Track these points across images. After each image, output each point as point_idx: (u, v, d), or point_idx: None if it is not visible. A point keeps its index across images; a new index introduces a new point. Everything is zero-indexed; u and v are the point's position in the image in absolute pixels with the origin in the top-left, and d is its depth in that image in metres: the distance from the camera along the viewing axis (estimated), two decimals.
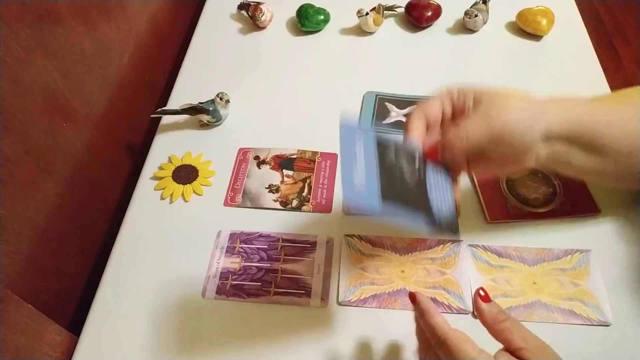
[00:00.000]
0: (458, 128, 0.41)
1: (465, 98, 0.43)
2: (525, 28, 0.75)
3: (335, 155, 0.63)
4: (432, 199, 0.42)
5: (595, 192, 0.56)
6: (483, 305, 0.36)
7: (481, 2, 0.76)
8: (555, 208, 0.55)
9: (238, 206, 0.59)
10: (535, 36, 0.75)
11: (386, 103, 0.68)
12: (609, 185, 0.52)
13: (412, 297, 0.40)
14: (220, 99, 0.65)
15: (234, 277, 0.53)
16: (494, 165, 0.44)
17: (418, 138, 0.43)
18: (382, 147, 0.42)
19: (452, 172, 0.44)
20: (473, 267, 0.52)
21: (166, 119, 0.68)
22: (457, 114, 0.44)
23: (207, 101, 0.64)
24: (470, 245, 0.53)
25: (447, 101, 0.44)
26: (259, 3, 0.79)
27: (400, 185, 0.41)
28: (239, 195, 0.59)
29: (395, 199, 0.39)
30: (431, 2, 0.78)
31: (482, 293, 0.37)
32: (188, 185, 0.60)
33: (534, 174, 0.58)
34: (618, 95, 0.48)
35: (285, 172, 0.61)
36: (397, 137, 0.43)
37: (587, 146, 0.44)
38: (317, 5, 0.79)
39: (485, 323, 0.36)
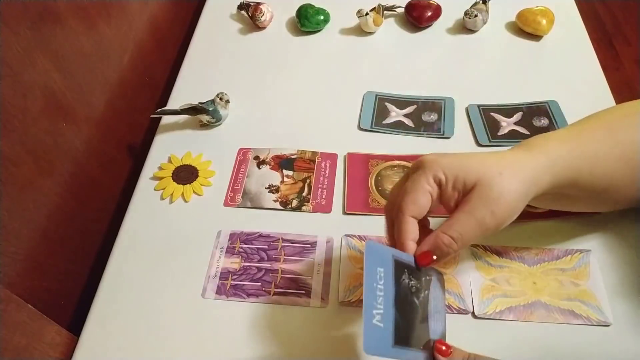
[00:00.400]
0: (452, 232, 0.39)
1: (455, 184, 0.39)
2: (525, 28, 0.75)
3: (335, 155, 0.63)
4: (430, 320, 0.40)
5: None
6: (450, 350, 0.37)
7: (481, 2, 0.76)
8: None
9: (238, 206, 0.59)
10: (535, 36, 0.75)
11: (386, 103, 0.68)
12: (578, 210, 0.51)
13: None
14: (220, 99, 0.65)
15: (234, 277, 0.53)
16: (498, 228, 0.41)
17: (412, 247, 0.40)
18: (398, 267, 0.39)
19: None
20: (473, 267, 0.52)
21: (166, 119, 0.68)
22: (445, 200, 0.40)
23: (207, 101, 0.65)
24: (470, 245, 0.53)
25: (435, 190, 0.40)
26: (259, 3, 0.79)
27: (410, 314, 0.38)
28: (239, 195, 0.59)
29: (408, 335, 0.37)
30: (431, 2, 0.78)
31: (443, 348, 0.37)
32: (188, 185, 0.60)
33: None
34: (609, 123, 0.46)
35: (285, 172, 0.61)
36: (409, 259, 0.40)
37: (565, 191, 0.44)
38: (317, 5, 0.79)
39: None
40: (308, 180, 0.60)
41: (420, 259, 0.40)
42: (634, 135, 0.45)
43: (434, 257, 0.39)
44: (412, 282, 0.39)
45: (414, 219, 0.40)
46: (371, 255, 0.38)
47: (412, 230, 0.40)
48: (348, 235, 0.55)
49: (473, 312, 0.49)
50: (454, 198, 0.39)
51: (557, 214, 0.55)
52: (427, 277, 0.41)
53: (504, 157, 0.41)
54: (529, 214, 0.54)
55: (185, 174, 0.61)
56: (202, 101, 0.64)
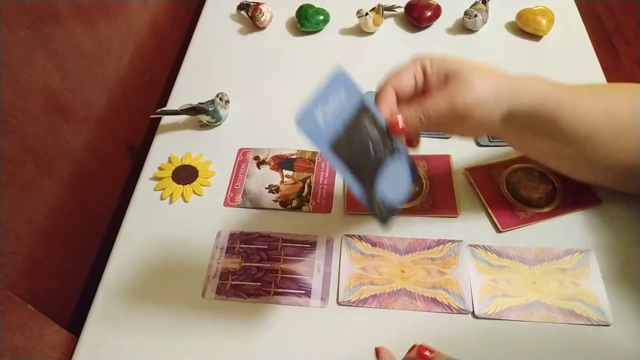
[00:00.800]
0: (420, 106, 0.42)
1: (438, 71, 0.43)
2: (525, 28, 0.75)
3: None
4: (382, 180, 0.42)
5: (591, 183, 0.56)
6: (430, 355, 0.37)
7: (481, 2, 0.76)
8: (559, 205, 0.55)
9: (238, 206, 0.59)
10: (535, 36, 0.75)
11: None
12: (562, 170, 0.53)
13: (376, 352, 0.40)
14: (220, 99, 0.65)
15: (234, 277, 0.53)
16: (452, 132, 0.47)
17: (386, 110, 0.43)
18: (363, 110, 0.42)
19: (411, 146, 0.46)
20: (473, 267, 0.52)
21: (166, 119, 0.68)
22: (428, 87, 0.44)
23: (207, 101, 0.65)
24: (470, 246, 0.53)
25: (420, 74, 0.44)
26: (258, 3, 0.79)
27: (359, 149, 0.41)
28: (238, 195, 0.59)
29: (347, 156, 0.39)
30: (431, 2, 0.78)
31: (426, 353, 0.37)
32: (188, 185, 0.60)
33: (530, 172, 0.58)
34: (591, 86, 0.48)
35: (285, 172, 0.61)
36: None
37: (543, 127, 0.45)
38: (316, 5, 0.79)
39: None
40: (308, 180, 0.60)
41: (391, 122, 0.42)
42: (619, 96, 0.47)
43: (403, 126, 0.42)
44: (374, 131, 0.42)
45: (394, 90, 0.43)
46: (337, 79, 0.41)
47: (389, 95, 0.43)
48: (348, 235, 0.55)
49: (473, 312, 0.49)
50: (436, 85, 0.43)
51: (561, 210, 0.55)
52: (394, 147, 0.43)
53: (491, 67, 0.44)
54: (537, 216, 0.54)
55: (185, 174, 0.61)
56: (202, 101, 0.65)
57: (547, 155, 0.50)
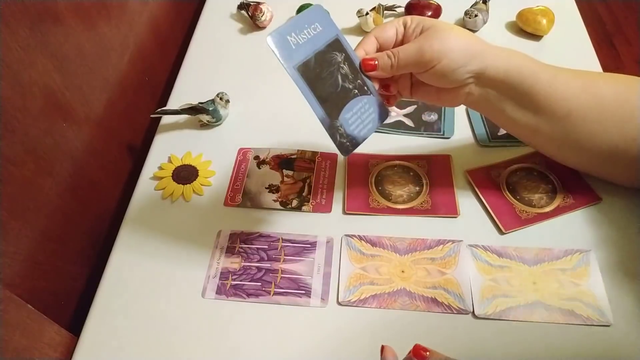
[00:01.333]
0: (395, 50, 0.46)
1: (416, 27, 0.46)
2: (525, 28, 0.75)
3: (335, 155, 0.63)
4: (346, 111, 0.46)
5: (591, 180, 0.57)
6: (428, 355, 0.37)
7: (481, 2, 0.76)
8: (560, 204, 0.55)
9: (238, 206, 0.59)
10: (535, 36, 0.75)
11: None
12: (547, 151, 0.54)
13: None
14: (220, 99, 0.65)
15: (234, 277, 0.53)
16: (430, 93, 0.49)
17: (362, 51, 0.47)
18: (336, 45, 0.46)
19: (391, 88, 0.49)
20: (473, 267, 0.52)
21: (166, 119, 0.68)
22: (406, 40, 0.47)
23: (207, 101, 0.64)
24: (470, 246, 0.53)
25: (401, 28, 0.47)
26: (259, 3, 0.79)
27: (327, 77, 0.45)
28: (239, 195, 0.59)
29: (312, 80, 0.44)
30: (431, 2, 0.78)
31: (422, 353, 0.38)
32: (188, 185, 0.60)
33: (530, 172, 0.58)
34: (576, 70, 0.49)
35: (285, 172, 0.61)
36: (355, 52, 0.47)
37: (522, 100, 0.47)
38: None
39: None
40: (308, 180, 0.60)
41: (364, 61, 0.46)
42: (603, 79, 0.48)
43: (375, 62, 0.46)
44: (344, 66, 0.46)
45: (375, 40, 0.47)
46: (314, 13, 0.46)
47: (369, 43, 0.47)
48: (348, 235, 0.55)
49: (473, 312, 0.49)
50: (412, 37, 0.46)
51: (562, 210, 0.55)
52: (365, 86, 0.47)
53: (470, 33, 0.47)
54: (539, 216, 0.54)
55: (186, 174, 0.61)
56: (202, 101, 0.64)
57: (529, 132, 0.51)
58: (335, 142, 0.45)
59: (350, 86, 0.46)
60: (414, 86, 0.50)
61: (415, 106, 0.67)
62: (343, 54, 0.46)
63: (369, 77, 0.47)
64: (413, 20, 0.47)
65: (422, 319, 0.49)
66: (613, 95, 0.47)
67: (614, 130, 0.47)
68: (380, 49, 0.47)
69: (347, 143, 0.46)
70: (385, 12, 0.78)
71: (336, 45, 0.46)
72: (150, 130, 0.72)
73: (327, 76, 0.45)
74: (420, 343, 0.39)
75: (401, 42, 0.47)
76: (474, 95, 0.48)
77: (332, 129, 0.45)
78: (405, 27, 0.47)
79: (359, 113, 0.47)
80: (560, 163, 0.56)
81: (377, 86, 0.48)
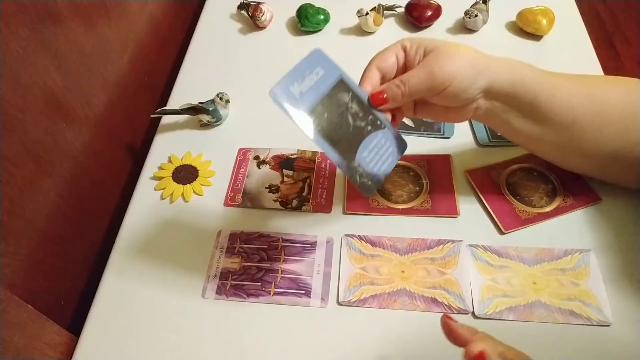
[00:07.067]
0: (403, 77, 0.44)
1: (418, 49, 0.45)
2: (526, 28, 0.75)
3: None
4: (362, 150, 0.44)
5: (590, 180, 0.57)
6: (456, 323, 0.37)
7: (481, 2, 0.76)
8: (560, 204, 0.55)
9: (238, 206, 0.59)
10: (535, 36, 0.75)
11: None
12: (550, 158, 0.54)
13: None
14: (220, 99, 0.65)
15: (234, 277, 0.53)
16: (436, 112, 0.48)
17: (369, 86, 0.45)
18: (341, 85, 0.44)
19: (395, 115, 0.47)
20: (473, 267, 0.52)
21: (166, 119, 0.68)
22: (409, 65, 0.46)
23: (207, 101, 0.64)
24: (470, 246, 0.53)
25: (401, 53, 0.46)
26: (259, 3, 0.79)
27: (338, 121, 0.43)
28: (239, 195, 0.59)
29: (321, 125, 0.42)
30: (431, 2, 0.78)
31: (449, 316, 0.38)
32: (188, 185, 0.60)
33: (530, 172, 0.58)
34: (579, 75, 0.49)
35: (285, 172, 0.61)
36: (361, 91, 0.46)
37: (527, 110, 0.46)
38: (317, 5, 0.79)
39: (464, 336, 0.36)
40: (308, 180, 0.60)
41: (373, 95, 0.45)
42: (607, 84, 0.48)
43: (385, 95, 0.44)
44: (353, 105, 0.44)
45: (378, 71, 0.45)
46: (314, 58, 0.44)
47: (372, 76, 0.45)
48: (348, 235, 0.55)
49: (473, 312, 0.49)
50: (415, 61, 0.45)
51: (562, 209, 0.55)
52: (378, 121, 0.45)
53: (469, 47, 0.46)
54: (539, 216, 0.54)
55: (185, 174, 0.61)
56: (202, 101, 0.64)
57: (533, 141, 0.50)
58: (355, 184, 0.43)
59: (362, 124, 0.44)
60: (418, 106, 0.48)
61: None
62: (349, 92, 0.44)
63: (380, 111, 0.45)
64: (412, 43, 0.45)
65: (422, 319, 0.49)
66: (616, 100, 0.47)
67: (617, 136, 0.47)
68: (383, 79, 0.46)
69: (369, 182, 0.44)
70: (385, 12, 0.78)
71: (341, 86, 0.44)
72: (150, 130, 0.72)
73: (337, 119, 0.43)
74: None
75: (403, 67, 0.46)
76: (481, 109, 0.47)
77: (351, 171, 0.43)
78: (405, 52, 0.46)
79: (376, 149, 0.45)
80: (556, 165, 0.56)
81: (389, 117, 0.46)
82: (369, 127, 0.44)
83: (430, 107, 0.47)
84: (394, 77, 0.45)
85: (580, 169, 0.55)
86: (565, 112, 0.46)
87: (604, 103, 0.47)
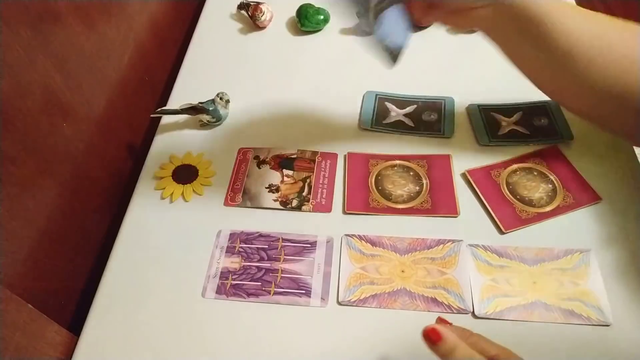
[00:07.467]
0: None
1: None
2: None
3: (335, 155, 0.63)
4: (381, 28, 0.50)
5: (591, 180, 0.57)
6: (450, 327, 0.37)
7: None
8: (560, 204, 0.55)
9: (238, 206, 0.59)
10: None
11: (386, 103, 0.68)
12: (550, 88, 0.53)
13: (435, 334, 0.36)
14: (220, 99, 0.65)
15: (234, 277, 0.53)
16: (445, 13, 0.50)
17: None
18: None
19: (411, 15, 0.51)
20: (473, 267, 0.52)
21: (166, 119, 0.68)
22: None
23: (207, 101, 0.64)
24: (470, 245, 0.53)
25: None
26: (259, 3, 0.79)
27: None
28: (239, 195, 0.59)
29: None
30: None
31: (443, 319, 0.39)
32: (188, 185, 0.60)
33: (530, 172, 0.58)
34: (593, 13, 0.49)
35: (285, 172, 0.61)
36: None
37: (530, 31, 0.47)
38: (317, 5, 0.79)
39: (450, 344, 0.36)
40: (308, 180, 0.60)
41: None
42: (624, 33, 0.47)
43: None
44: None
45: None
46: None
47: None
48: (348, 235, 0.55)
49: (473, 312, 0.49)
50: None
51: (562, 209, 0.55)
52: (391, 2, 0.50)
53: None
54: (539, 216, 0.54)
55: (185, 174, 0.61)
56: (202, 101, 0.64)
57: (532, 64, 0.51)
58: (382, 55, 0.51)
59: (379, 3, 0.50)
60: (428, 8, 0.51)
61: (415, 106, 0.67)
62: None
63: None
64: None
65: (422, 319, 0.48)
66: (620, 42, 0.46)
67: (623, 75, 0.46)
68: None
69: (393, 52, 0.52)
70: None
71: None
72: (150, 130, 0.72)
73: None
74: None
75: None
76: (488, 18, 0.48)
77: (376, 44, 0.51)
78: None
79: (391, 24, 0.51)
80: (556, 165, 0.56)
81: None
82: (386, 5, 0.50)
83: (438, 8, 0.50)
84: None
85: (580, 108, 0.53)
86: (565, 42, 0.46)
87: (612, 44, 0.46)
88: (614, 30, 0.48)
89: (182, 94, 0.72)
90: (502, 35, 0.49)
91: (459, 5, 0.48)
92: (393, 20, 0.51)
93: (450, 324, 0.38)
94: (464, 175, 0.59)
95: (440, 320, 0.39)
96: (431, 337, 0.36)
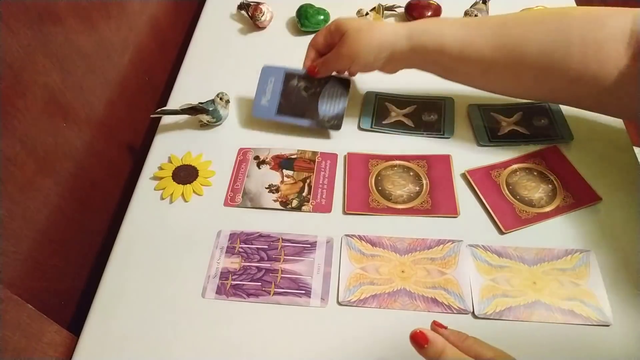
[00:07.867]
0: (324, 57, 0.61)
1: (337, 31, 0.59)
2: None
3: (335, 155, 0.63)
4: (320, 105, 0.63)
5: (591, 180, 0.57)
6: (445, 330, 0.38)
7: (481, 2, 0.76)
8: (560, 204, 0.55)
9: (238, 206, 0.59)
10: None
11: (386, 103, 0.68)
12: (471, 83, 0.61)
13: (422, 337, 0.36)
14: (220, 99, 0.65)
15: (234, 277, 0.53)
16: (365, 70, 0.61)
17: (308, 61, 0.63)
18: (289, 77, 0.64)
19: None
20: (473, 267, 0.52)
21: (166, 119, 0.68)
22: (332, 43, 0.60)
23: (207, 101, 0.64)
24: (470, 245, 0.53)
25: (328, 34, 0.60)
26: (259, 3, 0.79)
27: (296, 100, 0.63)
28: (239, 195, 0.59)
29: (290, 110, 0.63)
30: (431, 2, 0.78)
31: (438, 323, 0.39)
32: (188, 185, 0.60)
33: (529, 172, 0.58)
34: (498, 24, 0.54)
35: (285, 172, 0.61)
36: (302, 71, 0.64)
37: (440, 65, 0.58)
38: (317, 5, 0.79)
39: (453, 344, 0.36)
40: (308, 180, 0.60)
41: (309, 69, 0.63)
42: (527, 34, 0.52)
43: (316, 70, 0.62)
44: (301, 83, 0.64)
45: (313, 49, 0.63)
46: (264, 73, 0.65)
47: (310, 54, 0.63)
48: (348, 235, 0.55)
49: (473, 312, 0.49)
50: (336, 40, 0.59)
51: (562, 209, 0.55)
52: (322, 80, 0.64)
53: (376, 23, 0.59)
54: (539, 216, 0.54)
55: (185, 174, 0.61)
56: (202, 101, 0.64)
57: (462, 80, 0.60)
58: (326, 128, 0.63)
59: (313, 90, 0.63)
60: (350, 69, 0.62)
61: (415, 106, 0.67)
62: (296, 77, 0.64)
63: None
64: (333, 24, 0.59)
65: (422, 319, 0.49)
66: (534, 48, 0.51)
67: (534, 83, 0.54)
68: (318, 53, 0.62)
69: (335, 122, 0.63)
70: (385, 12, 0.78)
71: (289, 77, 0.64)
72: (150, 130, 0.72)
73: (295, 99, 0.63)
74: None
75: (332, 44, 0.60)
76: (404, 63, 0.59)
77: (321, 123, 0.63)
78: (330, 33, 0.60)
79: (330, 98, 0.63)
80: (556, 165, 0.58)
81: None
82: (318, 88, 0.64)
83: (357, 67, 0.61)
84: (328, 50, 0.61)
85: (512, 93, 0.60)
86: (474, 65, 0.55)
87: (521, 53, 0.52)
88: (525, 38, 0.52)
89: (182, 94, 0.72)
90: (422, 69, 0.60)
91: (368, 71, 0.61)
92: (329, 94, 0.63)
93: (446, 327, 0.38)
94: (464, 176, 0.59)
95: (435, 324, 0.38)
96: (418, 340, 0.36)
